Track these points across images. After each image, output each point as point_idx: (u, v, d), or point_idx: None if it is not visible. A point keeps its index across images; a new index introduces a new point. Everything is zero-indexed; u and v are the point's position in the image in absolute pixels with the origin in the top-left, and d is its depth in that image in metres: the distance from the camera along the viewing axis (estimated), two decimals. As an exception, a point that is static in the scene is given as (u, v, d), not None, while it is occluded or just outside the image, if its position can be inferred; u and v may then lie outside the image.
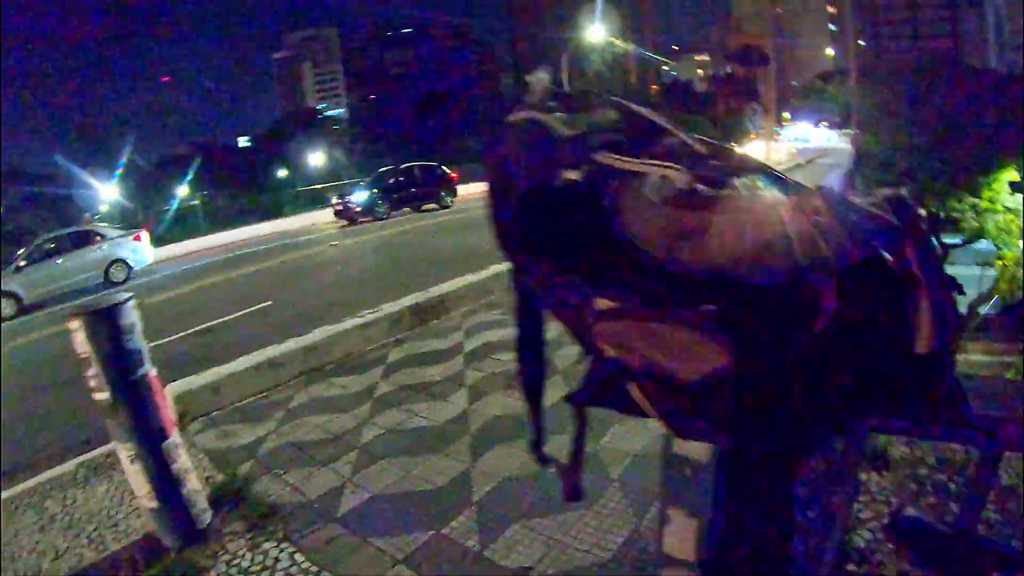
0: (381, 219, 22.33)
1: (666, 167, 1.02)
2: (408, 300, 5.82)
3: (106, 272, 16.80)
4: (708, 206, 0.92)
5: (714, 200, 0.92)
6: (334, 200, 27.30)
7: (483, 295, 6.11)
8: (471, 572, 2.41)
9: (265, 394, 4.70)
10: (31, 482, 4.31)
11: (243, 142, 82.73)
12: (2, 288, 15.95)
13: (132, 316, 2.79)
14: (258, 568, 2.69)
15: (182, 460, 2.93)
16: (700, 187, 0.97)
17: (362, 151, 59.25)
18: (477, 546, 2.50)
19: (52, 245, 17.23)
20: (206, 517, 3.00)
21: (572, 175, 1.14)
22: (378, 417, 3.87)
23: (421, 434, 3.53)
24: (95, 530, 3.41)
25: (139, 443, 2.80)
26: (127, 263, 17.07)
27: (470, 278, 6.33)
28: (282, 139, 65.36)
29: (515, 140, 1.24)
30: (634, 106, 1.26)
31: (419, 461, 3.23)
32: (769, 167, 1.07)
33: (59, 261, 16.71)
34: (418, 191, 24.53)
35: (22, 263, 16.71)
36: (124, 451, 2.83)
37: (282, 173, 45.43)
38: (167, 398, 2.97)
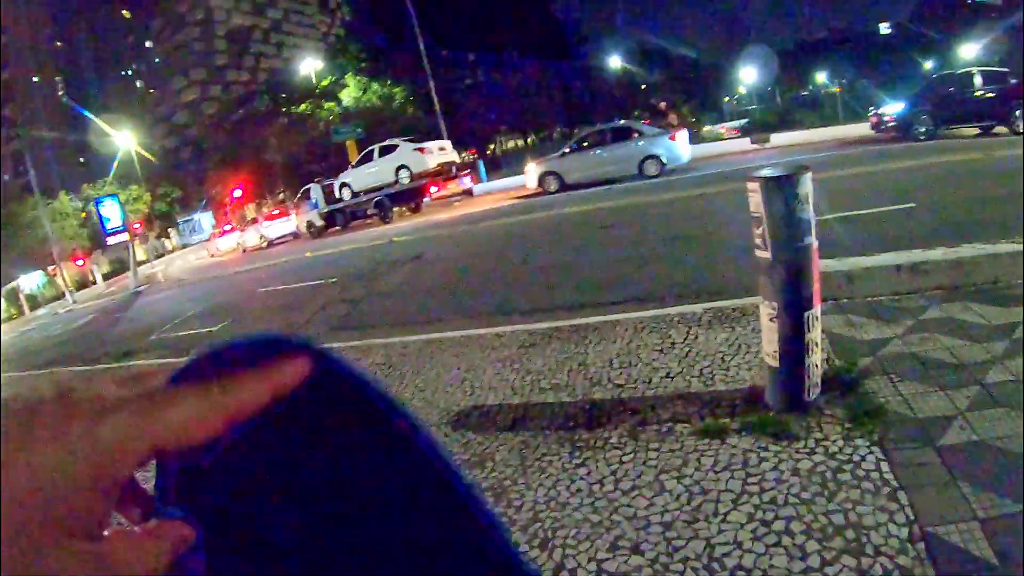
0: (918, 140, 17.96)
1: None
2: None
3: (639, 166, 18.03)
4: None
5: None
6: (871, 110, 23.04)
7: None
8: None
9: (899, 297, 4.57)
10: (660, 311, 5.12)
11: (884, 28, 77.00)
12: (548, 169, 19.21)
13: (807, 187, 2.90)
14: (843, 458, 2.73)
15: (814, 332, 3.03)
16: None
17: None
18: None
19: (595, 137, 19.44)
20: (814, 392, 3.12)
21: None
22: (1011, 361, 3.40)
23: (1052, 396, 3.00)
24: (707, 366, 3.86)
25: (784, 305, 2.99)
26: (660, 159, 17.90)
27: None
28: (927, 26, 58.55)
29: None
30: None
31: (1036, 425, 2.77)
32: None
33: (598, 151, 18.76)
34: (979, 107, 18.21)
35: (567, 150, 19.56)
36: (766, 308, 3.06)
37: (927, 64, 40.68)
38: (818, 272, 3.06)
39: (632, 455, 3.04)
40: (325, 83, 48.31)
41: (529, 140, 57.94)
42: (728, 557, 2.31)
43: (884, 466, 2.64)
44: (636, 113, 45.31)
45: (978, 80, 19.14)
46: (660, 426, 3.25)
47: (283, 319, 8.88)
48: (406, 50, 41.93)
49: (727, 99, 62.85)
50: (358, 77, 48.85)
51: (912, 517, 2.32)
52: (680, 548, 2.40)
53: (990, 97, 18.53)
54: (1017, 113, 17.83)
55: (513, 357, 4.76)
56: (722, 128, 43.99)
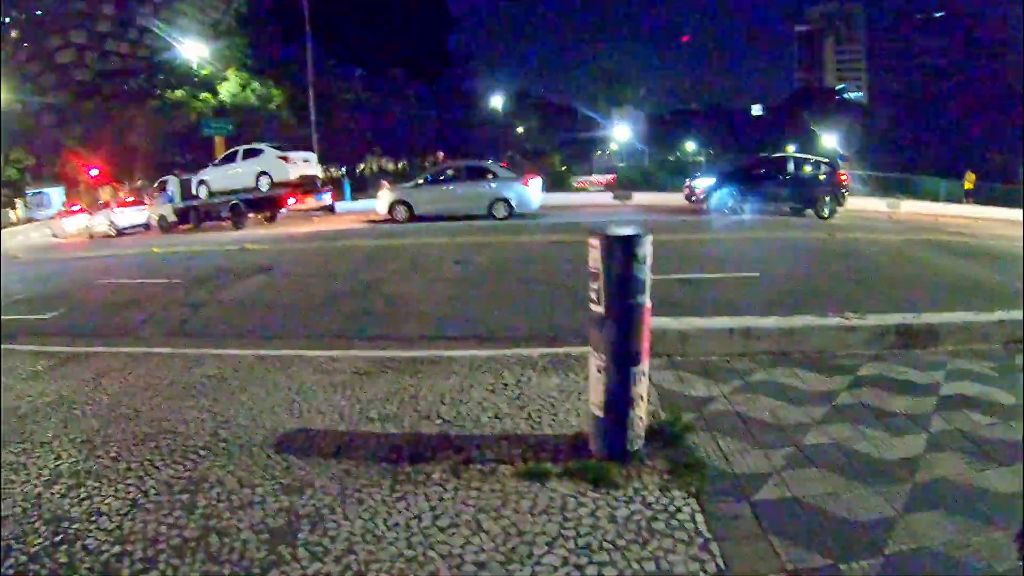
0: (730, 213, 19.39)
1: None
2: (896, 318, 5.28)
3: (489, 207, 18.47)
4: None
5: None
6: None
7: (979, 340, 5.21)
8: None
9: (729, 358, 4.81)
10: (497, 352, 5.17)
11: (756, 110, 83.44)
12: (399, 197, 19.35)
13: (647, 249, 3.01)
14: (659, 508, 2.80)
15: (640, 387, 3.12)
16: None
17: (875, 143, 54.04)
18: (866, 598, 2.23)
19: (450, 173, 19.85)
20: (637, 443, 3.18)
21: None
22: (828, 425, 3.64)
23: (863, 460, 3.22)
24: (536, 410, 3.89)
25: (612, 358, 3.06)
26: (510, 203, 18.48)
27: (968, 316, 5.45)
28: (795, 114, 63.80)
29: None
30: None
31: (850, 486, 2.97)
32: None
33: (451, 187, 19.13)
34: (786, 190, 19.99)
35: (421, 181, 19.85)
36: (596, 359, 3.11)
37: (790, 148, 44.03)
38: (649, 330, 3.16)
39: (453, 492, 2.98)
40: (206, 72, 45.95)
41: (400, 165, 57.39)
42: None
43: (699, 517, 2.72)
44: (508, 155, 46.17)
45: (791, 166, 20.83)
46: (483, 465, 3.22)
47: (118, 316, 8.25)
48: (293, 53, 40.74)
49: (598, 153, 65.68)
50: (240, 72, 46.91)
51: (722, 567, 2.40)
52: (493, 588, 2.37)
53: (802, 182, 20.13)
54: (826, 199, 19.63)
55: (346, 383, 4.63)
56: (593, 180, 45.82)
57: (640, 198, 29.89)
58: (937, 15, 79.48)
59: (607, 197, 31.20)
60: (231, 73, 46.64)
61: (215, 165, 23.10)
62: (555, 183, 36.31)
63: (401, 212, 19.18)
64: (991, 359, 4.83)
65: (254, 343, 6.17)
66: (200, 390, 4.73)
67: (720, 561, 2.43)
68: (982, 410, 3.86)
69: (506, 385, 4.37)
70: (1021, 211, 21.75)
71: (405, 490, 3.03)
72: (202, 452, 3.62)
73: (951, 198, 32.50)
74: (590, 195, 34.79)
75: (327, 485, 3.13)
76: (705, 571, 2.38)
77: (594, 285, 3.06)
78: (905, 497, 2.88)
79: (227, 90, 45.83)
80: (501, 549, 2.55)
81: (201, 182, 22.86)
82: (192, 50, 42.98)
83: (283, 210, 22.39)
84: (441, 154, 37.09)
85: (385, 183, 24.79)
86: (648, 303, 3.09)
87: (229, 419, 4.09)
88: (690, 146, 64.14)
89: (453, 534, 2.67)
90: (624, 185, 35.84)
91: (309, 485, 3.14)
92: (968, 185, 33.14)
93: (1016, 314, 5.45)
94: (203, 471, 3.38)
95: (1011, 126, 49.75)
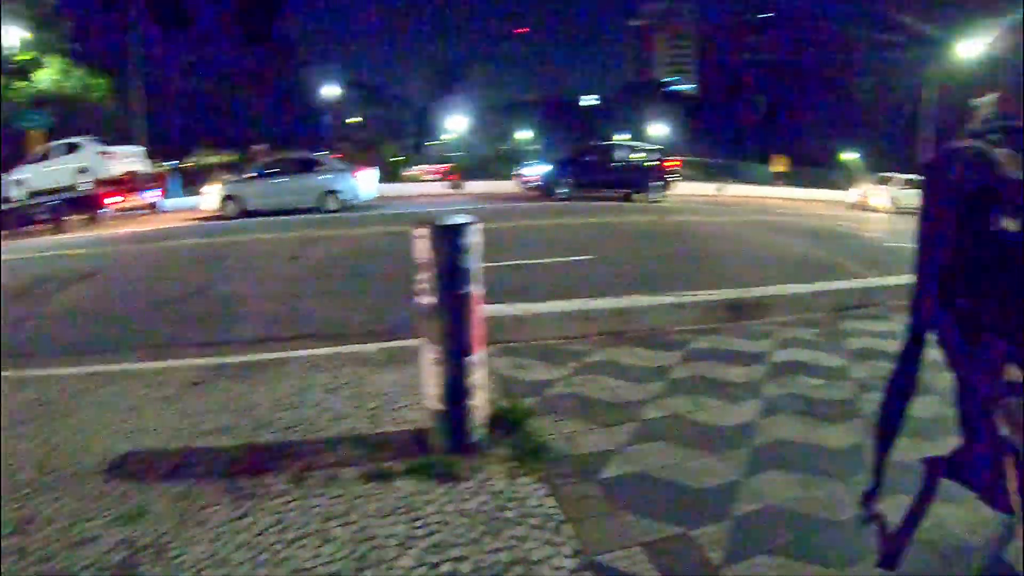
0: (561, 199, 20.40)
1: None
2: (726, 293, 5.64)
3: (320, 199, 18.48)
4: None
5: None
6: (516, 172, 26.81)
7: (804, 309, 5.69)
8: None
9: (566, 341, 4.89)
10: (333, 350, 5.02)
11: (588, 100, 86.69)
12: (229, 192, 19.11)
13: (474, 237, 3.01)
14: (508, 497, 2.78)
15: (477, 376, 3.11)
16: None
17: (705, 132, 57.81)
18: (719, 560, 2.33)
19: (278, 166, 19.68)
20: (479, 433, 3.17)
21: (1013, 224, 1.06)
22: (666, 399, 3.80)
23: (703, 429, 3.39)
24: (375, 408, 3.80)
25: (446, 350, 3.03)
26: (340, 195, 18.59)
27: (794, 288, 5.93)
28: (626, 105, 66.92)
29: (959, 171, 1.14)
30: None
31: (693, 455, 3.10)
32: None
33: (281, 180, 18.98)
34: (615, 176, 21.39)
35: (251, 175, 19.72)
36: (429, 351, 3.08)
37: (620, 137, 46.09)
38: (481, 318, 3.15)
39: (297, 502, 2.84)
40: (25, 57, 41.05)
41: (236, 157, 54.84)
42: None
43: (549, 501, 2.73)
44: (342, 146, 45.43)
45: (620, 153, 22.25)
46: (325, 471, 3.09)
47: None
48: (118, 37, 37.68)
49: (432, 143, 66.21)
50: (64, 59, 42.61)
51: (578, 548, 2.41)
52: (347, 599, 2.30)
53: (631, 168, 21.44)
54: (655, 184, 21.10)
55: (178, 395, 4.33)
56: (427, 170, 46.31)
57: (474, 187, 30.45)
58: (765, 15, 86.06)
59: (442, 187, 31.65)
60: (52, 59, 42.21)
61: (30, 163, 21.15)
62: (390, 174, 36.26)
63: (231, 208, 18.59)
64: (817, 327, 5.26)
65: (79, 360, 5.64)
66: (23, 418, 4.22)
67: (575, 542, 2.44)
68: (812, 374, 4.19)
69: (344, 384, 4.25)
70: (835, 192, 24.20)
71: (247, 506, 2.85)
72: (29, 488, 3.26)
73: (768, 181, 35.37)
74: (424, 185, 35.15)
75: (165, 510, 2.89)
76: (561, 553, 2.39)
77: (423, 276, 3.04)
78: (747, 460, 3.04)
79: (48, 77, 41.45)
80: (353, 556, 2.46)
81: (17, 182, 20.86)
82: (8, 33, 38.48)
83: (104, 210, 20.78)
84: (262, 146, 35.73)
85: (225, 176, 23.73)
86: (478, 291, 3.09)
87: (56, 447, 3.69)
88: (524, 135, 65.70)
89: (302, 546, 2.54)
90: (458, 174, 36.28)
91: (146, 512, 2.88)
92: (781, 168, 36.03)
93: (838, 284, 6.00)
94: (32, 509, 3.03)
95: (826, 114, 54.83)
